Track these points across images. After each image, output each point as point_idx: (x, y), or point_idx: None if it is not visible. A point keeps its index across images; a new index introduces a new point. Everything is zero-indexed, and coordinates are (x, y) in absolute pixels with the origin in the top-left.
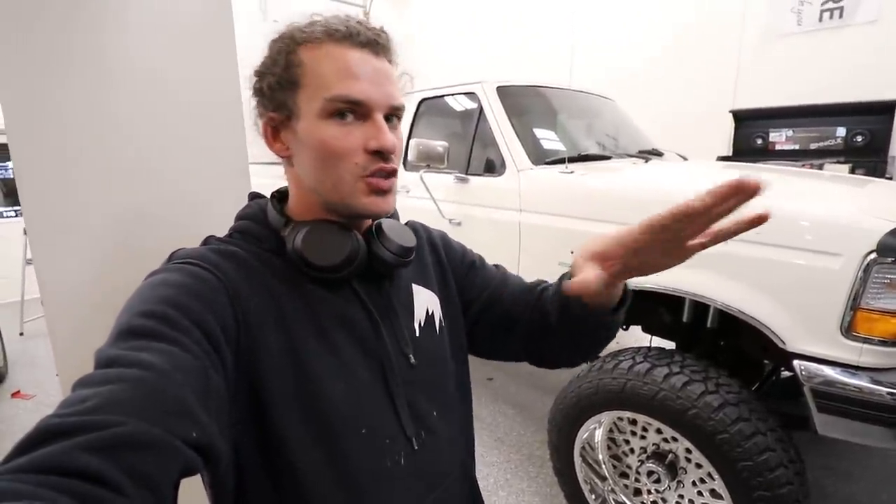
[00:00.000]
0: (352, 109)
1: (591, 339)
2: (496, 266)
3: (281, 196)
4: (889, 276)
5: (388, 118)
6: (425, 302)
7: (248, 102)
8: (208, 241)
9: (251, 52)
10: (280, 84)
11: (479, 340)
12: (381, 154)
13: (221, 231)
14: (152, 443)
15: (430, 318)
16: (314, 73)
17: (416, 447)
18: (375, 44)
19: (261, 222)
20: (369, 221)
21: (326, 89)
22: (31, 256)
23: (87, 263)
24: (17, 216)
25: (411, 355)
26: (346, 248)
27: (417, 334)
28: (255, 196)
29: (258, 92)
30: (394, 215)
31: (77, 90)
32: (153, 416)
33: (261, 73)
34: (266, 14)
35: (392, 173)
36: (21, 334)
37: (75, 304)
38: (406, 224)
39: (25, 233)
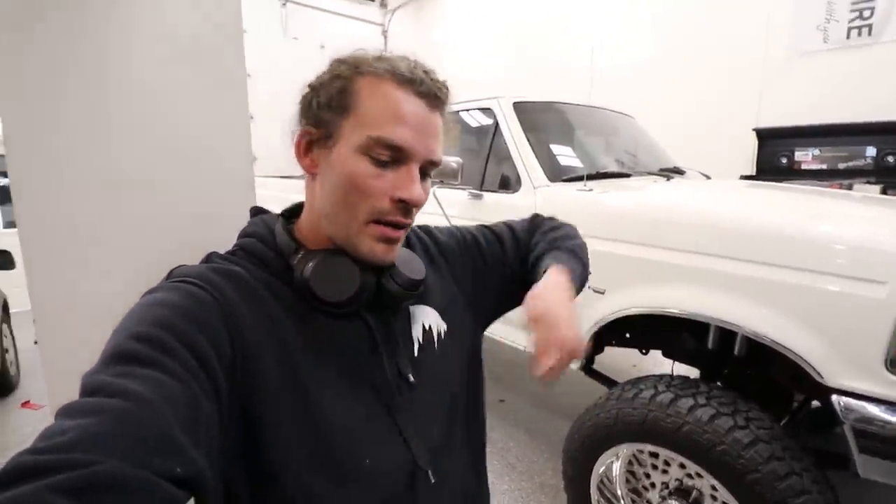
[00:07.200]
0: (391, 155)
1: None
2: (490, 230)
3: (290, 213)
4: None
5: (422, 173)
6: (420, 317)
7: (258, 114)
8: (210, 258)
9: (272, 66)
10: (329, 104)
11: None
12: (405, 205)
13: (225, 245)
14: (129, 483)
15: (427, 333)
16: (366, 107)
17: (434, 480)
18: (435, 97)
19: (268, 244)
20: None
21: (373, 127)
22: (25, 270)
23: (82, 275)
24: None
25: (410, 374)
26: (355, 285)
27: (416, 354)
28: (258, 211)
29: (306, 104)
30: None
31: (79, 102)
32: (132, 453)
33: (314, 88)
34: (286, 31)
35: (406, 226)
36: (36, 342)
37: (68, 317)
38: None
39: None
